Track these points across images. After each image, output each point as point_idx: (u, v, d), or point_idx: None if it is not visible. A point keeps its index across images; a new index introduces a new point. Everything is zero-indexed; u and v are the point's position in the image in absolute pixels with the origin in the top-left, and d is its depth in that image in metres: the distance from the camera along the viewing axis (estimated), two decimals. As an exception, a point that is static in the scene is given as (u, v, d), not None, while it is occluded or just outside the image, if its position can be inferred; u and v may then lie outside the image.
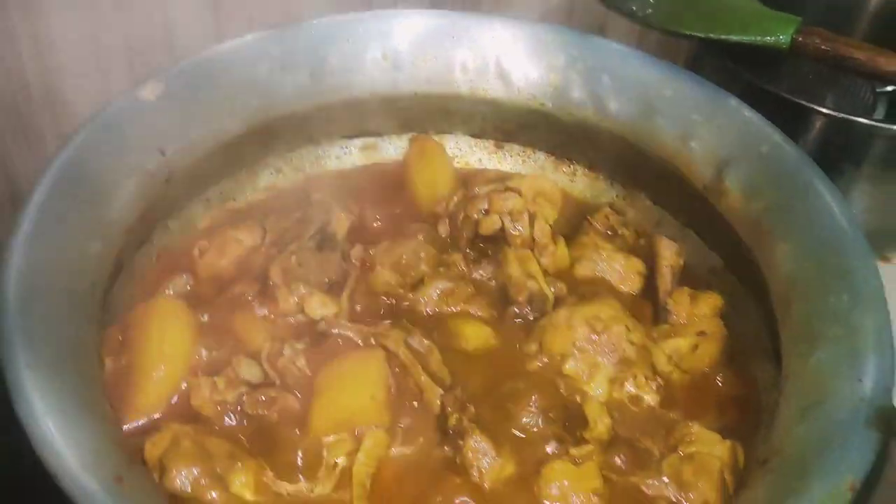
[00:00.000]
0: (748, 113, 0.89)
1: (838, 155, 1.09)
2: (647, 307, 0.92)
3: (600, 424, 0.77)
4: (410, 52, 0.98)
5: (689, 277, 0.93)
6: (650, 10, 1.03)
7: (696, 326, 0.87)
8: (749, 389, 0.82)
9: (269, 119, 0.93)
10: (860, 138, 1.08)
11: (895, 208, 1.17)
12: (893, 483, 0.64)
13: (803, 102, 1.07)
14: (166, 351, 0.78)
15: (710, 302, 0.88)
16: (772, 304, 0.80)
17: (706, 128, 0.91)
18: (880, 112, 1.25)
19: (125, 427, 0.74)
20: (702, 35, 1.14)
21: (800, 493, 0.59)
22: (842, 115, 1.08)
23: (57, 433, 0.58)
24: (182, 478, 0.70)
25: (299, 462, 0.75)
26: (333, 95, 0.96)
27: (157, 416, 0.77)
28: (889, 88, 1.22)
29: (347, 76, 0.96)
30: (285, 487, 0.73)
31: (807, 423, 0.66)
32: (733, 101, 0.90)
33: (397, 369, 0.81)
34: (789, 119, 1.07)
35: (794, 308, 0.76)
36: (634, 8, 1.03)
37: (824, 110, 1.06)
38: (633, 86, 0.96)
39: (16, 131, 1.09)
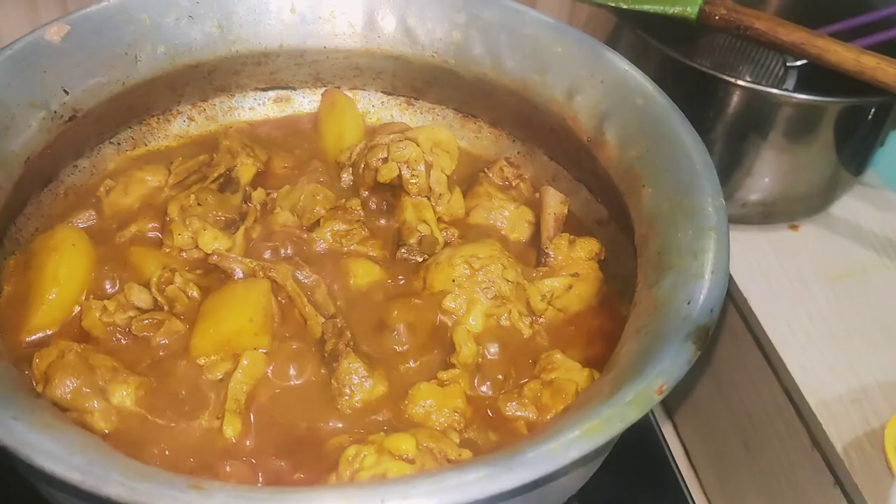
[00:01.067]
0: (627, 67, 0.93)
1: (748, 125, 1.14)
2: (534, 253, 0.96)
3: (465, 350, 0.82)
4: (317, 6, 1.02)
5: (577, 227, 0.98)
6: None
7: (572, 269, 0.92)
8: (616, 325, 0.87)
9: (177, 67, 0.97)
10: (768, 109, 1.13)
11: (802, 177, 1.22)
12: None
13: (715, 73, 1.12)
14: (61, 274, 0.83)
15: (586, 246, 0.93)
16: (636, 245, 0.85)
17: (590, 83, 0.95)
18: (790, 85, 1.30)
19: (17, 342, 0.79)
20: (614, 5, 1.20)
21: (616, 395, 0.64)
22: (751, 84, 1.13)
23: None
24: (64, 387, 0.75)
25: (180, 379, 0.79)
26: (242, 46, 1.01)
27: (49, 334, 0.81)
28: (798, 63, 1.27)
29: (255, 28, 1.00)
30: (165, 400, 0.78)
31: (638, 340, 0.71)
32: (614, 56, 0.95)
33: (284, 301, 0.86)
34: (703, 91, 1.13)
35: (649, 244, 0.81)
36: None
37: (735, 81, 1.10)
38: (528, 43, 1.00)
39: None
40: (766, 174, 1.20)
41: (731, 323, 1.18)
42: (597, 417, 0.62)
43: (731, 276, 1.12)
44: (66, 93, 0.88)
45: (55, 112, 0.87)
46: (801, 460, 1.06)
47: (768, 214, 1.24)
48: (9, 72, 0.84)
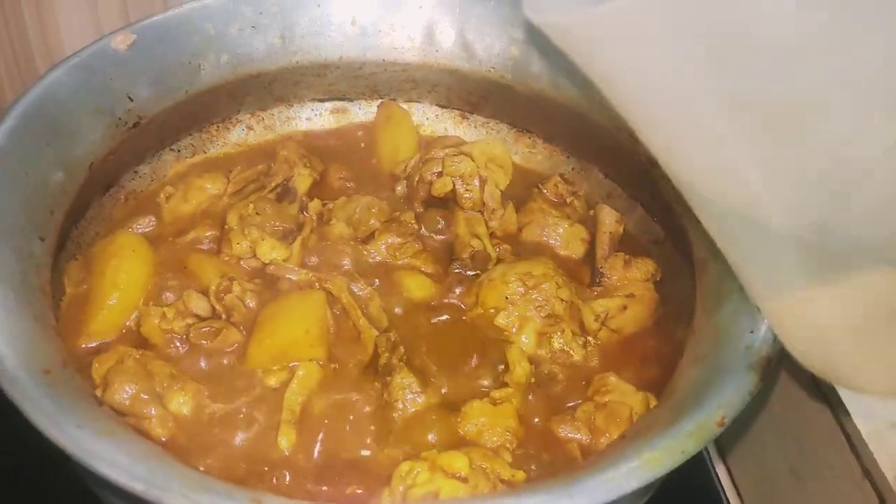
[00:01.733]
0: (688, 88, 0.92)
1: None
2: (587, 272, 0.96)
3: (519, 369, 0.81)
4: (378, 19, 1.03)
5: (632, 246, 0.98)
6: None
7: (627, 289, 0.91)
8: (671, 348, 0.86)
9: (239, 77, 0.98)
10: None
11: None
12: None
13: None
14: (121, 281, 0.84)
15: (642, 267, 0.92)
16: (695, 268, 0.84)
17: (650, 102, 0.94)
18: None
19: (77, 347, 0.80)
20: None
21: (676, 425, 0.63)
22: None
23: (-3, 330, 0.64)
24: (123, 393, 0.75)
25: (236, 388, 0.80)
26: (303, 57, 1.02)
27: (108, 340, 0.82)
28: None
29: (317, 40, 1.01)
30: (221, 408, 0.78)
31: (698, 368, 0.70)
32: (676, 77, 0.94)
33: (338, 312, 0.87)
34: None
35: (709, 269, 0.80)
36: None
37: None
38: (588, 61, 1.00)
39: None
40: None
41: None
42: (656, 448, 0.61)
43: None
44: (131, 100, 0.90)
45: (119, 118, 0.89)
46: (852, 490, 1.04)
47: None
48: (76, 79, 0.86)
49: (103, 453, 0.60)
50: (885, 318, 0.68)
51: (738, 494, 1.26)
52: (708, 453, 1.10)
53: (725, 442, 1.31)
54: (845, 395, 1.04)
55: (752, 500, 1.24)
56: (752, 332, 0.70)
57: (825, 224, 0.59)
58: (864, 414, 1.02)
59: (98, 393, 0.76)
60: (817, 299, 0.64)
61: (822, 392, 1.09)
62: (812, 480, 1.13)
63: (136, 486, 0.58)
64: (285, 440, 0.76)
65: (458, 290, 0.92)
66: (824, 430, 1.09)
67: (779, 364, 1.12)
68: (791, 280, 0.63)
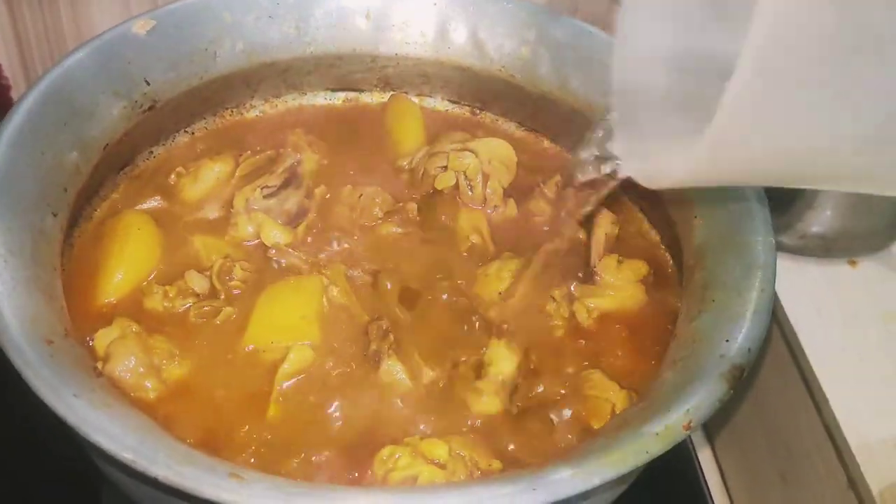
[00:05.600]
0: (691, 97, 0.94)
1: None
2: (582, 271, 0.98)
3: (506, 361, 0.84)
4: (392, 14, 1.05)
5: (627, 249, 0.99)
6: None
7: (619, 289, 0.93)
8: (661, 350, 0.87)
9: (254, 64, 1.01)
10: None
11: (865, 213, 1.20)
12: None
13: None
14: (126, 258, 0.88)
15: (634, 268, 0.94)
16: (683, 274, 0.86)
17: (653, 108, 0.96)
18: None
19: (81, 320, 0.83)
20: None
21: (644, 426, 0.65)
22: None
23: (3, 298, 0.67)
24: (123, 366, 0.79)
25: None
26: (317, 48, 1.04)
27: (111, 315, 0.86)
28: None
29: (331, 31, 1.04)
30: (216, 384, 0.82)
31: (674, 372, 0.72)
32: (680, 85, 0.95)
33: (336, 298, 0.89)
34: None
35: (695, 277, 0.82)
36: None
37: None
38: (596, 65, 1.02)
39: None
40: (828, 207, 1.18)
41: (779, 354, 1.18)
42: (622, 448, 0.63)
43: (781, 306, 1.12)
44: (148, 84, 0.93)
45: (136, 101, 0.92)
46: (836, 499, 1.06)
47: (827, 248, 1.23)
48: (96, 61, 0.89)
49: (97, 422, 0.63)
50: None
51: (729, 495, 1.28)
52: (696, 454, 1.12)
53: (718, 443, 1.33)
54: (836, 406, 1.06)
55: (741, 502, 1.26)
56: (727, 340, 0.72)
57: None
58: (855, 426, 1.04)
59: (98, 365, 0.79)
60: None
61: (815, 401, 1.11)
62: (799, 486, 1.14)
63: (126, 456, 0.61)
64: (272, 414, 0.79)
65: (452, 284, 0.94)
66: (814, 438, 1.11)
67: (759, 365, 1.14)
68: None
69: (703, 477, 1.09)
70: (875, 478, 0.99)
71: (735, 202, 0.84)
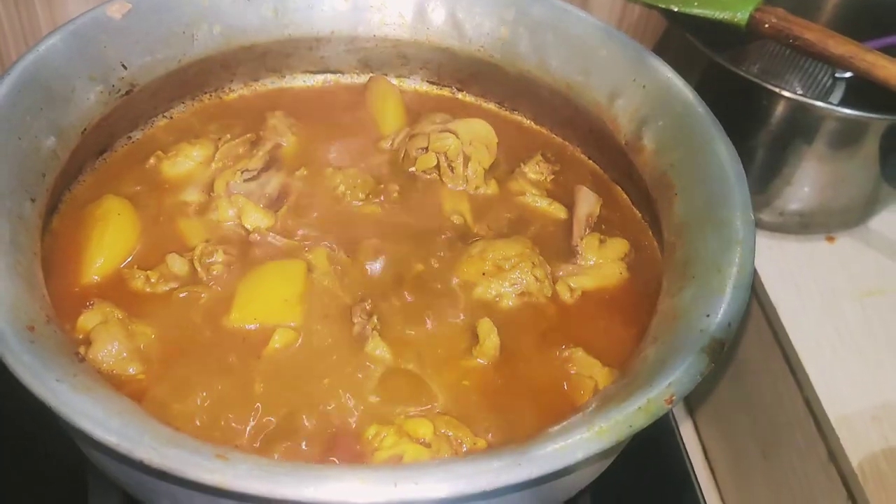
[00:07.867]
0: (669, 74, 0.94)
1: (790, 135, 1.14)
2: (564, 250, 0.98)
3: (489, 342, 0.84)
4: (370, -5, 1.04)
5: (609, 228, 1.00)
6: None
7: (601, 267, 0.94)
8: (642, 327, 0.88)
9: (232, 48, 1.01)
10: (812, 121, 1.12)
11: (842, 189, 1.22)
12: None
13: (761, 82, 1.11)
14: (106, 244, 0.87)
15: (616, 247, 0.95)
16: (664, 251, 0.87)
17: (632, 87, 0.97)
18: (836, 97, 1.29)
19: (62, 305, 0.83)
20: (664, 6, 1.20)
21: (627, 401, 0.66)
22: (795, 96, 1.12)
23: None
24: (105, 351, 0.79)
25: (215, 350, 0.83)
26: (295, 31, 1.04)
27: (93, 298, 0.85)
28: (847, 75, 1.26)
29: (309, 14, 1.03)
30: (199, 367, 0.82)
31: (655, 347, 0.73)
32: (658, 62, 0.96)
33: (318, 280, 0.89)
34: (747, 98, 1.13)
35: (676, 253, 0.83)
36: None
37: (780, 91, 1.09)
38: (574, 44, 1.02)
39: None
40: (805, 184, 1.19)
41: (759, 329, 1.19)
42: (606, 421, 0.64)
43: (761, 282, 1.14)
44: (125, 68, 0.92)
45: (113, 86, 0.91)
46: (817, 472, 1.07)
47: (806, 225, 1.24)
48: (71, 46, 0.88)
49: (80, 407, 0.63)
50: None
51: (711, 468, 1.30)
52: (678, 428, 1.13)
53: (699, 417, 1.34)
54: (815, 380, 1.07)
55: (723, 475, 1.27)
56: (708, 315, 0.73)
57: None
58: (834, 399, 1.05)
59: (81, 350, 0.79)
60: None
61: (795, 375, 1.12)
62: (779, 459, 1.16)
63: (110, 439, 0.61)
64: (257, 394, 0.79)
65: (438, 262, 0.94)
66: (794, 411, 1.12)
67: (740, 340, 1.15)
68: None
69: (686, 451, 1.10)
70: (854, 450, 1.01)
71: (714, 180, 0.85)
